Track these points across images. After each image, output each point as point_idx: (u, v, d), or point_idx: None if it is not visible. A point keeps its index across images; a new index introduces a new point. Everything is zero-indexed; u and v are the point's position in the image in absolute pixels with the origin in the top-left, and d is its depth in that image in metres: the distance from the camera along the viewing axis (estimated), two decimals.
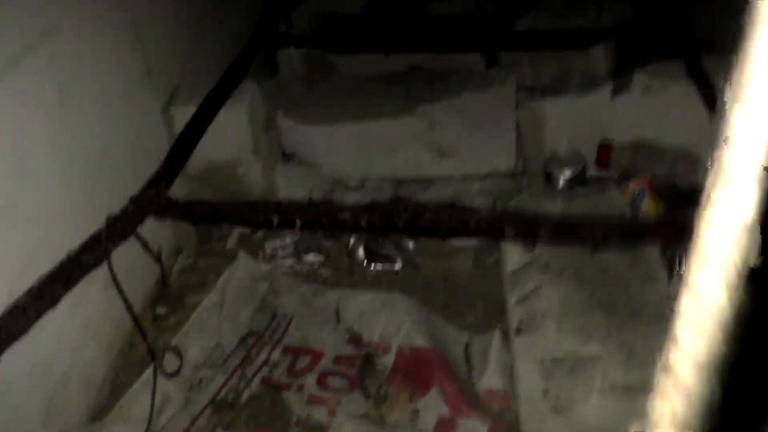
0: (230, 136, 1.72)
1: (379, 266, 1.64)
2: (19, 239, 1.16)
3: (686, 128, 1.58)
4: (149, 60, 1.64)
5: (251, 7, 2.24)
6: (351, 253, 1.67)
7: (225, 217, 1.60)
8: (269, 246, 1.73)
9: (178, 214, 1.53)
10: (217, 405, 1.34)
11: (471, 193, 1.75)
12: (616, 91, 1.66)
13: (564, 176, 1.64)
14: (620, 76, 1.70)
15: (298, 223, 1.36)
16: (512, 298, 1.40)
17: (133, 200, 1.35)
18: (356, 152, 1.82)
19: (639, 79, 1.64)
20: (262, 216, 1.39)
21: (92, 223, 1.25)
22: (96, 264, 1.23)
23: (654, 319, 1.27)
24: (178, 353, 1.42)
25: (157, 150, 1.62)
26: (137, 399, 1.35)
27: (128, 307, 1.35)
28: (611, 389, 1.16)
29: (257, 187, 1.80)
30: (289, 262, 1.69)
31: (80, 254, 1.19)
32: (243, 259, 1.65)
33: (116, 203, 1.32)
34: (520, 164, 1.77)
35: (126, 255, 1.36)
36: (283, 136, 1.88)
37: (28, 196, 1.20)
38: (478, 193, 1.75)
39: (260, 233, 1.78)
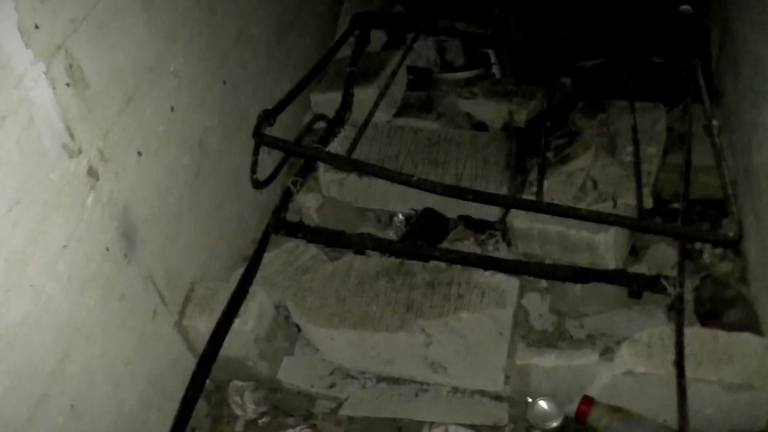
0: (237, 344, 1.88)
1: None
2: None
3: (656, 403, 1.69)
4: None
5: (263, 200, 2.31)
6: None
7: None
8: None
9: None
10: None
11: (457, 408, 1.91)
12: (602, 357, 1.74)
13: (543, 428, 1.78)
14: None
15: None
16: None
17: None
18: (356, 354, 1.97)
19: (622, 355, 1.71)
20: None
21: None
22: None
23: None
24: None
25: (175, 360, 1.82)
26: None
27: None
28: None
29: (264, 375, 1.98)
30: None
31: None
32: None
33: None
34: (508, 389, 1.90)
35: None
36: (292, 317, 2.03)
37: None
38: (465, 410, 1.90)
39: None
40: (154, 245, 1.72)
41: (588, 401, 1.77)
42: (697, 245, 2.14)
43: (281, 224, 2.12)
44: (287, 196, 2.19)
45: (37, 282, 1.30)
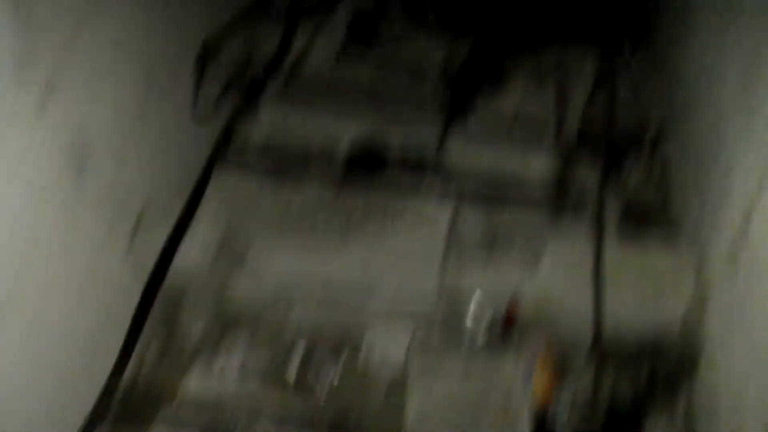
0: (188, 256, 1.99)
1: None
2: None
3: (578, 305, 1.88)
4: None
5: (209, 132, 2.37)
6: None
7: None
8: None
9: None
10: None
11: (394, 318, 2.06)
12: (526, 265, 1.92)
13: (473, 327, 1.95)
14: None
15: None
16: None
17: None
18: (299, 272, 2.09)
19: (545, 263, 1.89)
20: None
21: None
22: None
23: None
24: None
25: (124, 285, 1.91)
26: None
27: None
28: None
29: (213, 287, 2.09)
30: None
31: None
32: None
33: None
34: (440, 307, 2.06)
35: None
36: (237, 241, 2.13)
37: None
38: (401, 319, 2.06)
39: None
40: (106, 165, 1.78)
41: (515, 304, 1.94)
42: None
43: (224, 154, 2.21)
44: (230, 126, 2.27)
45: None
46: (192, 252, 1.99)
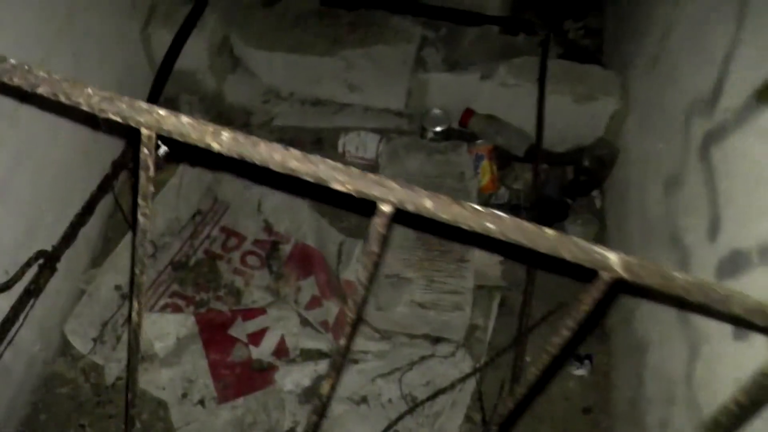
0: (192, 55, 2.25)
1: None
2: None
3: (522, 115, 2.25)
4: None
5: None
6: None
7: None
8: None
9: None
10: (174, 265, 2.10)
11: (367, 120, 2.40)
12: (483, 77, 2.27)
13: (433, 130, 2.31)
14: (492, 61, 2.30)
15: None
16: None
17: None
18: (288, 75, 2.40)
19: (500, 72, 2.24)
20: None
21: None
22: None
23: (456, 260, 2.07)
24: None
25: (139, 65, 2.17)
26: (122, 254, 2.09)
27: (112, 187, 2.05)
28: (411, 303, 1.99)
29: (210, 89, 2.38)
30: None
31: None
32: None
33: None
34: (409, 106, 2.40)
35: None
36: (235, 47, 2.41)
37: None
38: (374, 121, 2.40)
39: None
40: None
41: (470, 111, 2.31)
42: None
43: None
44: None
45: None
46: (194, 52, 2.25)
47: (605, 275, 0.70)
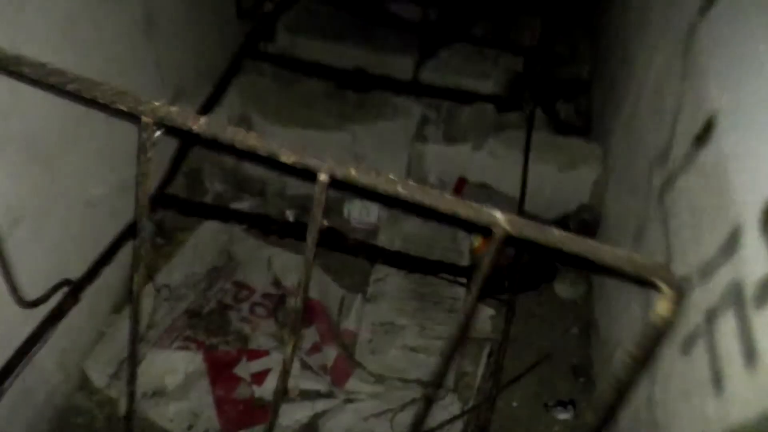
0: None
1: None
2: None
3: (511, 183, 2.46)
4: (159, 52, 2.37)
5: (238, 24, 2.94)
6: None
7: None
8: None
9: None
10: (189, 313, 2.29)
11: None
12: (475, 147, 2.50)
13: None
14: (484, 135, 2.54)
15: None
16: (372, 278, 2.34)
17: None
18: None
19: (489, 143, 2.48)
20: None
21: None
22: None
23: (446, 310, 2.23)
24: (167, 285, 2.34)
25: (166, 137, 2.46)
26: (142, 303, 2.28)
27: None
28: (404, 347, 2.13)
29: (230, 161, 2.65)
30: None
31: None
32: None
33: None
34: (410, 175, 2.63)
35: None
36: (253, 123, 2.70)
37: None
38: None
39: None
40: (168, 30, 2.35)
41: (463, 181, 2.53)
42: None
43: (254, 49, 2.79)
44: (263, 23, 2.85)
45: None
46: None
47: (497, 231, 0.88)
